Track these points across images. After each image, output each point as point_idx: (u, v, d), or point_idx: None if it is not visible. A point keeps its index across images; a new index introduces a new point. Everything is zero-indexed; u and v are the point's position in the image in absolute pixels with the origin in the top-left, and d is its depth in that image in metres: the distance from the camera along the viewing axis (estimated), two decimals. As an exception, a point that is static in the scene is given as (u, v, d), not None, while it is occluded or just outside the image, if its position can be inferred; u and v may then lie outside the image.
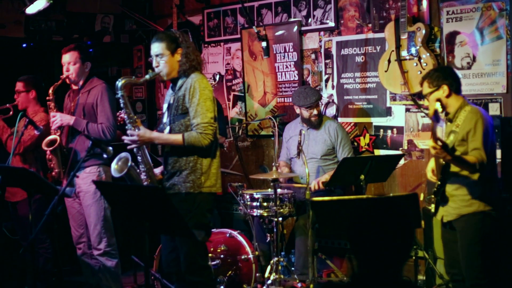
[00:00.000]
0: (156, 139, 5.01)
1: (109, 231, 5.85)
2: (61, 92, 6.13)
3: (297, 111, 6.69)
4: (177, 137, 4.89)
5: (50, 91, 5.92)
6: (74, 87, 6.01)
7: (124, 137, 5.00)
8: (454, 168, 4.96)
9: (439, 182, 5.01)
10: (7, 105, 6.53)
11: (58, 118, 5.79)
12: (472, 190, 4.96)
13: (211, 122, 4.90)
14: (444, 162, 4.92)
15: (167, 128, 5.06)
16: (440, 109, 4.70)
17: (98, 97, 5.82)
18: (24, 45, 8.70)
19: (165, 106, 5.22)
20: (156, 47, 5.00)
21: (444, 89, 5.00)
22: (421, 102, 6.43)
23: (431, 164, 5.22)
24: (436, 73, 5.10)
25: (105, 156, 5.43)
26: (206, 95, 4.92)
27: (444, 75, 5.05)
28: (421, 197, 5.68)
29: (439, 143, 4.59)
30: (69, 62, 5.88)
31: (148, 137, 4.96)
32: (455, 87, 5.03)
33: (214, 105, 5.01)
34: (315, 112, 6.57)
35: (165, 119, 5.15)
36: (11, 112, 6.53)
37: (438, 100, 4.82)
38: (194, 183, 4.94)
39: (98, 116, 5.81)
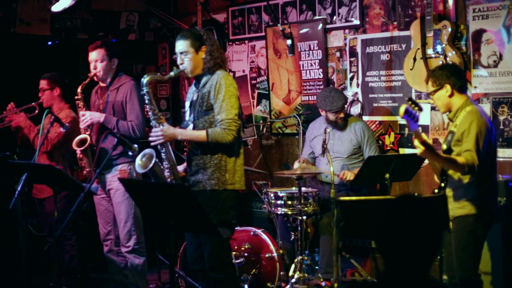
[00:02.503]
0: (180, 135, 5.01)
1: (139, 229, 5.85)
2: (86, 89, 6.14)
3: (322, 113, 6.67)
4: (201, 133, 4.90)
5: (79, 90, 5.91)
6: (102, 84, 5.99)
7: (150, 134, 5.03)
8: (450, 170, 4.92)
9: (442, 184, 4.95)
10: (33, 103, 6.56)
11: (88, 117, 5.79)
12: (465, 192, 4.91)
13: (235, 119, 4.91)
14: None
15: (191, 125, 5.07)
16: (411, 107, 4.33)
17: (127, 95, 5.81)
18: (49, 42, 8.75)
19: (187, 103, 5.23)
20: (181, 45, 5.02)
21: (447, 89, 4.97)
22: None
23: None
24: (440, 71, 5.05)
25: (130, 153, 5.45)
26: (231, 92, 4.94)
27: (448, 74, 4.99)
28: None
29: (420, 144, 4.50)
30: (96, 59, 5.87)
31: (172, 132, 4.97)
32: (458, 86, 4.98)
33: (239, 102, 5.02)
34: (341, 115, 6.55)
35: (188, 116, 5.17)
36: (36, 111, 6.55)
37: (409, 99, 4.60)
38: (219, 180, 4.95)
39: (127, 113, 5.80)
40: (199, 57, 5.01)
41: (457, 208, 4.91)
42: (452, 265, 5.03)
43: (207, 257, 4.98)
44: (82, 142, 5.80)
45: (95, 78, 5.94)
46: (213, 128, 4.89)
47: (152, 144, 4.98)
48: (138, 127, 5.75)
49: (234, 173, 5.01)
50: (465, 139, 4.81)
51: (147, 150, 4.99)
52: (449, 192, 4.97)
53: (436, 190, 4.89)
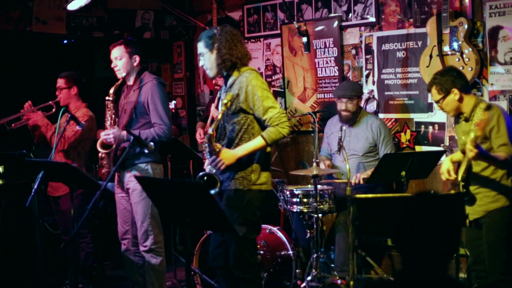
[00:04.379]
0: (239, 153, 4.87)
1: (157, 229, 5.81)
2: (101, 88, 6.14)
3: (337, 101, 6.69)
4: (259, 141, 4.83)
5: (111, 91, 5.82)
6: (128, 83, 5.94)
7: (206, 167, 5.01)
8: (476, 168, 4.94)
9: (463, 183, 4.95)
10: (50, 102, 6.58)
11: (111, 136, 5.71)
12: (496, 186, 4.95)
13: (280, 111, 4.84)
14: (469, 163, 4.90)
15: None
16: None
17: (148, 95, 5.66)
18: (65, 41, 8.79)
19: (220, 103, 5.14)
20: (198, 48, 5.05)
21: (455, 93, 4.99)
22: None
23: (448, 165, 5.16)
24: (443, 77, 5.06)
25: (146, 151, 5.43)
26: (264, 88, 4.88)
27: (452, 78, 5.02)
28: None
29: (474, 147, 4.55)
30: (116, 57, 5.82)
31: (232, 154, 4.87)
32: (464, 88, 5.02)
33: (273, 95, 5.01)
34: (343, 107, 6.53)
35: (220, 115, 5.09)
36: (53, 109, 6.57)
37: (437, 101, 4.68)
38: (244, 180, 4.91)
39: (150, 115, 5.67)
40: (214, 56, 4.98)
41: (490, 202, 4.96)
42: (478, 258, 5.05)
43: (231, 255, 4.96)
44: (107, 146, 5.74)
45: (118, 76, 5.89)
46: (266, 131, 4.83)
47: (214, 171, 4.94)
48: (163, 131, 5.60)
49: (260, 173, 4.97)
50: (497, 135, 4.86)
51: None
52: (475, 189, 5.01)
53: (462, 190, 4.92)
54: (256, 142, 4.83)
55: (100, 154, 5.79)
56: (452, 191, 5.11)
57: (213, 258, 5.19)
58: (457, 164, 5.19)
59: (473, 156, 4.62)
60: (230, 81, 4.98)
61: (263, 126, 4.89)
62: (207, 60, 5.00)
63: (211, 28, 5.16)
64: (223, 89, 5.16)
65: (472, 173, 4.94)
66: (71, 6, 7.49)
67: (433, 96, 5.13)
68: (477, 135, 4.53)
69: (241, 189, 4.90)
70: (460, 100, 5.00)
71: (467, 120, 5.04)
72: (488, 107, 4.82)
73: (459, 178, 5.02)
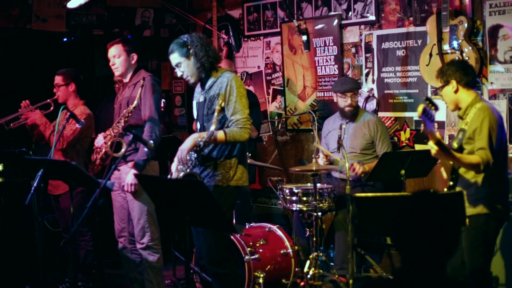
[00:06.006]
0: (199, 138, 4.93)
1: (153, 226, 5.82)
2: (101, 86, 6.14)
3: (335, 100, 6.68)
4: (220, 134, 4.93)
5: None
6: (124, 80, 5.96)
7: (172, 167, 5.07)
8: (461, 169, 4.88)
9: (451, 183, 4.92)
10: (48, 100, 6.56)
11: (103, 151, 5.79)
12: (477, 191, 4.85)
13: (248, 118, 5.02)
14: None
15: (198, 126, 5.20)
16: (428, 106, 4.29)
17: (142, 91, 5.73)
18: (65, 39, 8.78)
19: (194, 103, 5.34)
20: (173, 59, 5.15)
21: (453, 84, 4.93)
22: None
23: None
24: (447, 66, 5.04)
25: (146, 149, 5.44)
26: (242, 92, 5.03)
27: (454, 69, 4.96)
28: None
29: (435, 144, 4.44)
30: (114, 55, 5.85)
31: (192, 138, 4.96)
32: (464, 82, 4.92)
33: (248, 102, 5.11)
34: (348, 101, 6.54)
35: (195, 116, 5.29)
36: (51, 107, 6.56)
37: (427, 99, 4.58)
38: (223, 177, 5.04)
39: (142, 110, 5.72)
40: (192, 62, 5.09)
41: (468, 207, 4.85)
42: (457, 263, 4.99)
43: (206, 252, 5.07)
44: (118, 148, 5.72)
45: (115, 74, 5.94)
46: (230, 128, 4.97)
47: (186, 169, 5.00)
48: (153, 132, 5.62)
49: (238, 169, 5.10)
50: (478, 137, 4.75)
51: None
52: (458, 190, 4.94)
53: (445, 189, 4.86)
54: (218, 134, 4.92)
55: (104, 150, 5.79)
56: (445, 189, 5.07)
57: (200, 257, 5.29)
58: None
59: (434, 154, 4.52)
60: (209, 82, 5.12)
61: None
62: (185, 68, 5.12)
63: (179, 37, 5.20)
64: (198, 91, 5.30)
65: (458, 173, 4.89)
66: (71, 4, 7.49)
67: (438, 83, 5.13)
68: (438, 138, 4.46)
69: (220, 185, 5.04)
70: (458, 93, 4.93)
71: (462, 118, 4.99)
72: (480, 108, 4.80)
73: (445, 176, 5.03)
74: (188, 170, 4.96)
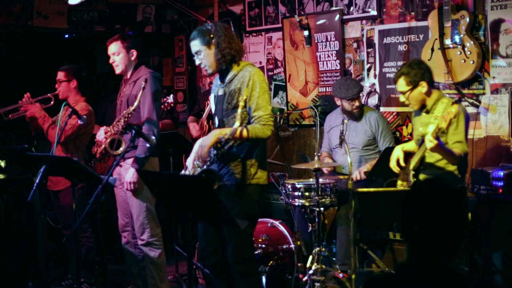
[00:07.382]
0: (220, 134, 4.78)
1: (153, 222, 5.83)
2: (102, 82, 6.14)
3: (338, 102, 6.66)
4: (242, 131, 4.75)
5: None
6: (125, 77, 5.95)
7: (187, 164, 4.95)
8: (429, 159, 5.05)
9: (413, 172, 5.03)
10: (48, 94, 6.57)
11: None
12: (449, 180, 4.95)
13: (271, 114, 4.87)
14: (424, 153, 5.03)
15: (216, 120, 5.02)
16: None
17: (142, 93, 5.62)
18: (66, 35, 8.77)
19: (212, 96, 5.15)
20: (192, 46, 4.98)
21: (423, 86, 5.14)
22: (465, 91, 6.35)
23: (398, 153, 5.30)
24: (413, 70, 5.18)
25: (147, 145, 5.43)
26: (264, 88, 4.87)
27: (422, 71, 5.16)
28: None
29: (435, 138, 4.67)
30: (113, 52, 5.86)
31: (212, 136, 4.78)
32: (431, 82, 5.20)
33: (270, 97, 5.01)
34: (356, 104, 6.54)
35: (213, 110, 5.11)
36: (52, 102, 6.56)
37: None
38: (244, 175, 4.91)
39: (140, 108, 5.70)
40: (213, 52, 4.94)
41: None
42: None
43: (231, 251, 4.95)
44: (118, 146, 5.72)
45: (116, 71, 5.93)
46: (252, 125, 4.81)
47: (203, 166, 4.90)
48: (152, 131, 5.61)
49: (259, 167, 4.96)
50: (455, 131, 5.00)
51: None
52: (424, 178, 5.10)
53: (411, 178, 4.99)
54: (240, 131, 4.74)
55: (104, 146, 5.80)
56: (400, 180, 5.18)
57: (204, 256, 5.16)
58: (405, 154, 5.32)
59: (432, 147, 4.70)
60: (229, 76, 4.95)
61: None
62: (205, 57, 4.94)
63: (203, 25, 5.12)
64: (216, 84, 5.12)
65: (424, 163, 5.05)
66: (72, 0, 7.50)
67: (400, 87, 5.24)
68: (441, 126, 4.63)
69: (241, 184, 4.90)
70: (428, 93, 5.16)
71: (427, 112, 5.18)
72: (455, 103, 4.86)
73: (411, 167, 5.13)
74: (205, 167, 4.84)
